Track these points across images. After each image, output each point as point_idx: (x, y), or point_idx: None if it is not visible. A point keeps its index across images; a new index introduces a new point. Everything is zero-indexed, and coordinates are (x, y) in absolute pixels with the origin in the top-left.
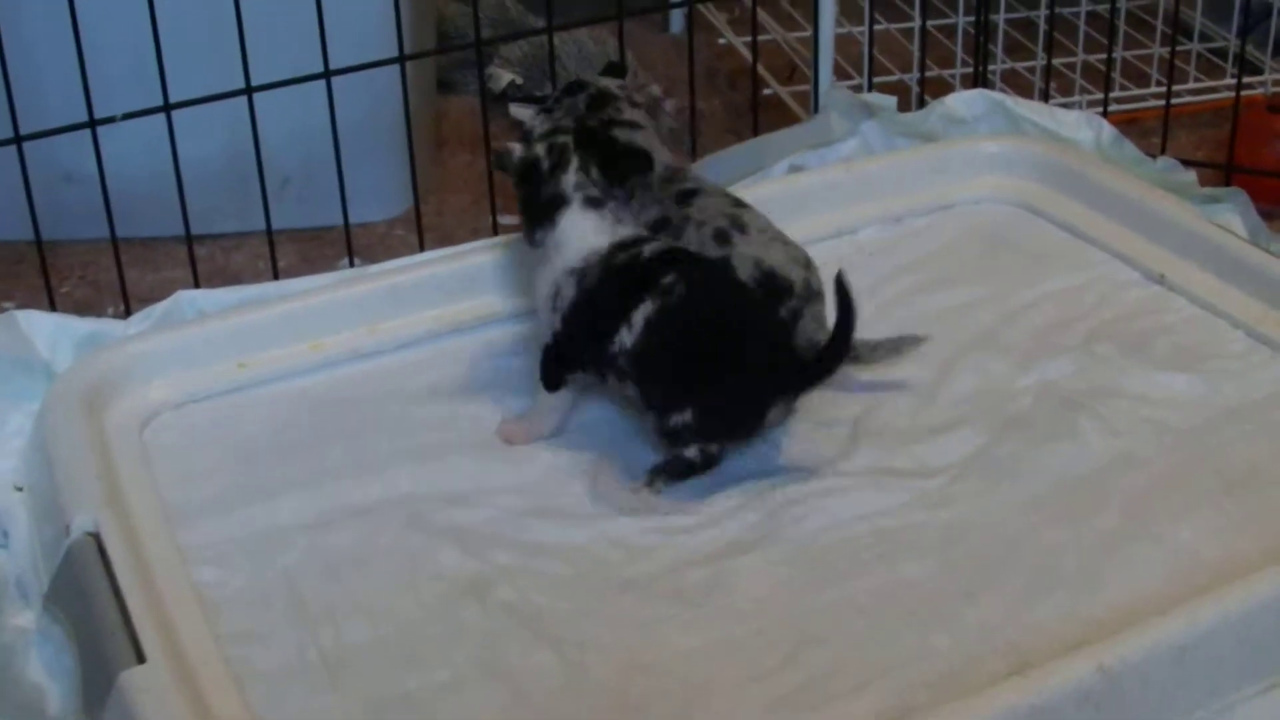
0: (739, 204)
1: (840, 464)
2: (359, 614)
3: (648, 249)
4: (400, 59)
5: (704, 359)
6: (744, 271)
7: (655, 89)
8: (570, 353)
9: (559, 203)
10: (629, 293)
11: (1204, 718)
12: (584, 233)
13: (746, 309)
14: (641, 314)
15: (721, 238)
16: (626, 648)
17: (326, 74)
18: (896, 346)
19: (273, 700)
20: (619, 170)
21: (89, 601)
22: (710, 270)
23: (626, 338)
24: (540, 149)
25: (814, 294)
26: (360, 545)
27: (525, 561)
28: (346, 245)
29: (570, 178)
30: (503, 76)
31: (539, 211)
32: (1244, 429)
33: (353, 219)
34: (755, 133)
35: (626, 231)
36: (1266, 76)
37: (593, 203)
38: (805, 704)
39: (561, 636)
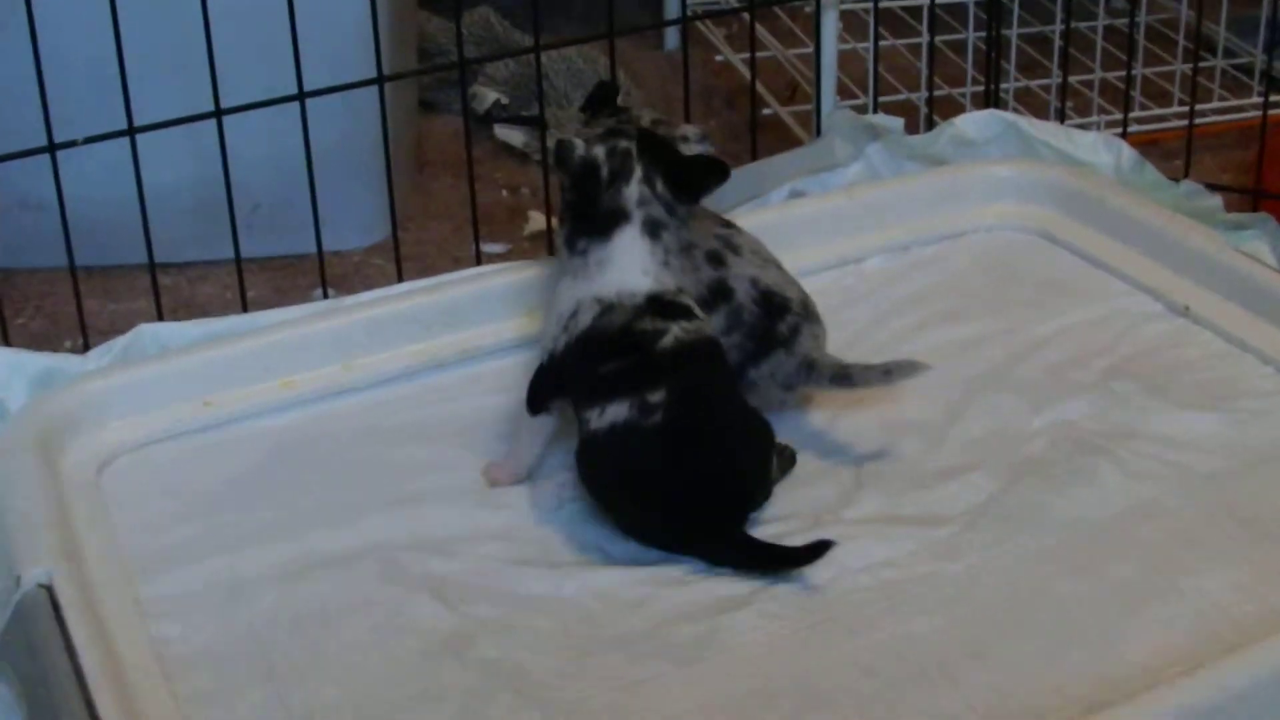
0: (727, 224)
1: (843, 511)
2: (330, 673)
3: (667, 337)
4: (379, 80)
5: (637, 494)
6: (741, 290)
7: (692, 129)
8: (560, 380)
9: (619, 218)
10: (617, 380)
11: None
12: (633, 262)
13: (709, 460)
14: (611, 414)
15: (715, 260)
16: (616, 709)
17: (301, 96)
18: (890, 371)
19: None
20: (693, 183)
21: (40, 659)
22: (704, 405)
23: (594, 416)
24: (600, 151)
25: (812, 314)
26: (332, 599)
27: (508, 615)
28: (320, 275)
29: (633, 190)
30: (488, 96)
31: (593, 223)
32: (1274, 474)
33: (328, 247)
34: (754, 156)
35: (669, 282)
36: None
37: (653, 226)
38: None
39: (547, 697)
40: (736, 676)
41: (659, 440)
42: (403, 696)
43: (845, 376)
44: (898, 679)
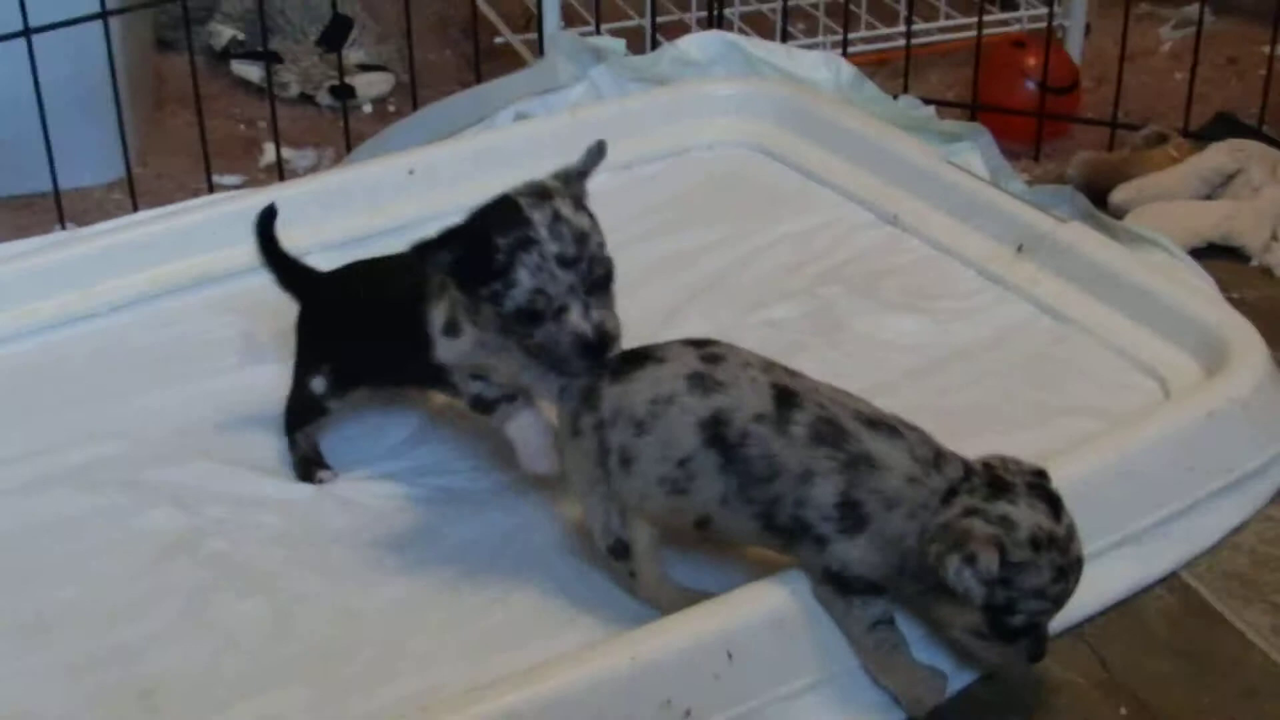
0: None
1: None
2: (68, 574)
3: None
4: (103, 14)
5: None
6: None
7: None
8: None
9: None
10: None
11: None
12: None
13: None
14: None
15: None
16: (335, 595)
17: (26, 31)
18: None
19: None
20: None
21: None
22: None
23: None
24: None
25: None
26: (70, 509)
27: (238, 514)
28: (57, 210)
29: None
30: (224, 33)
31: None
32: (970, 370)
33: (67, 184)
34: (479, 81)
35: None
36: (1022, 13)
37: None
38: (508, 642)
39: (272, 586)
40: (448, 562)
41: None
42: (137, 592)
43: None
44: (596, 560)
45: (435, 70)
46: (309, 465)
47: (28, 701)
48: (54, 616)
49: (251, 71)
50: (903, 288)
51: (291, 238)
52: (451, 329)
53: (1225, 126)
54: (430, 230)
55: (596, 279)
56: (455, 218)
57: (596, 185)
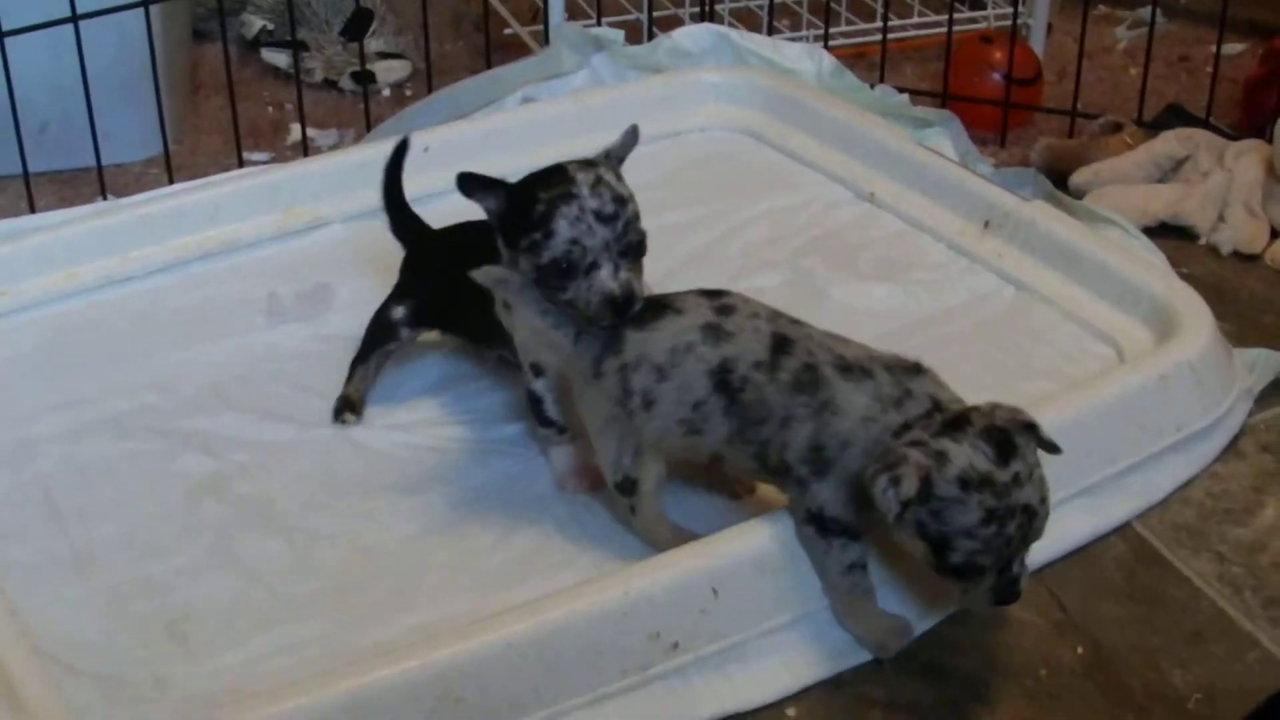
0: None
1: None
2: (106, 514)
3: None
4: (145, 3)
5: None
6: None
7: None
8: None
9: None
10: None
11: None
12: None
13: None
14: None
15: None
16: (351, 534)
17: (74, 18)
18: None
19: (27, 590)
20: None
21: None
22: None
23: None
24: None
25: None
26: (109, 453)
27: (263, 460)
28: (99, 183)
29: None
30: (255, 23)
31: None
32: (938, 335)
33: (109, 160)
34: (489, 69)
35: None
36: (990, 11)
37: None
38: (510, 579)
39: (292, 526)
40: (456, 505)
41: None
42: (168, 531)
43: None
44: (591, 502)
45: (449, 59)
46: (347, 403)
47: (67, 627)
48: (92, 552)
49: (280, 59)
50: (877, 259)
51: (316, 209)
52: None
53: (1175, 116)
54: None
55: (629, 244)
56: None
57: None
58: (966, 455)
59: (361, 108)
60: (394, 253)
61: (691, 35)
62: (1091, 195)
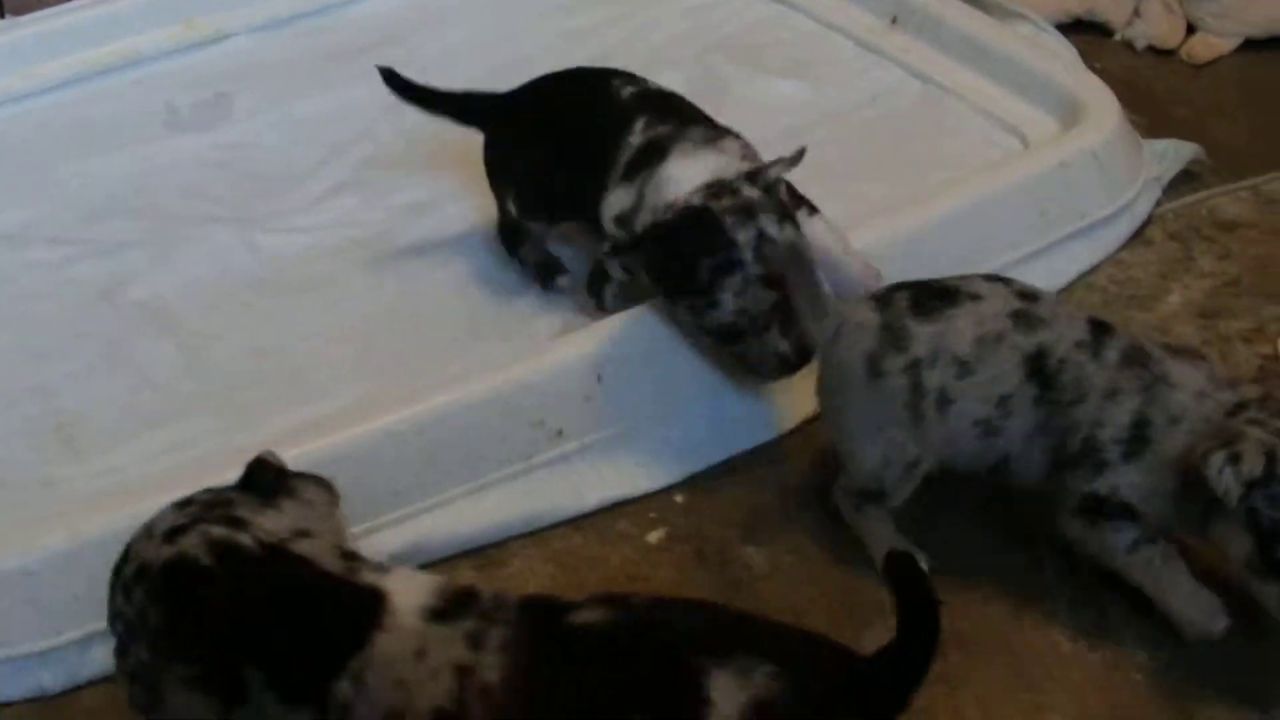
0: None
1: None
2: (5, 321)
3: None
4: None
5: None
6: None
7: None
8: None
9: None
10: None
11: None
12: None
13: None
14: None
15: None
16: (245, 334)
17: None
18: None
19: None
20: None
21: None
22: None
23: None
24: None
25: None
26: (6, 263)
27: (157, 267)
28: None
29: None
30: None
31: None
32: (843, 128)
33: None
34: None
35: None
36: None
37: None
38: (400, 374)
39: (186, 329)
40: (353, 302)
41: None
42: (60, 338)
43: None
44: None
45: None
46: (547, 270)
47: None
48: None
49: None
50: (785, 57)
51: (218, 22)
52: (622, 222)
53: None
54: None
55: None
56: None
57: None
58: None
59: None
60: (297, 60)
61: None
62: None
